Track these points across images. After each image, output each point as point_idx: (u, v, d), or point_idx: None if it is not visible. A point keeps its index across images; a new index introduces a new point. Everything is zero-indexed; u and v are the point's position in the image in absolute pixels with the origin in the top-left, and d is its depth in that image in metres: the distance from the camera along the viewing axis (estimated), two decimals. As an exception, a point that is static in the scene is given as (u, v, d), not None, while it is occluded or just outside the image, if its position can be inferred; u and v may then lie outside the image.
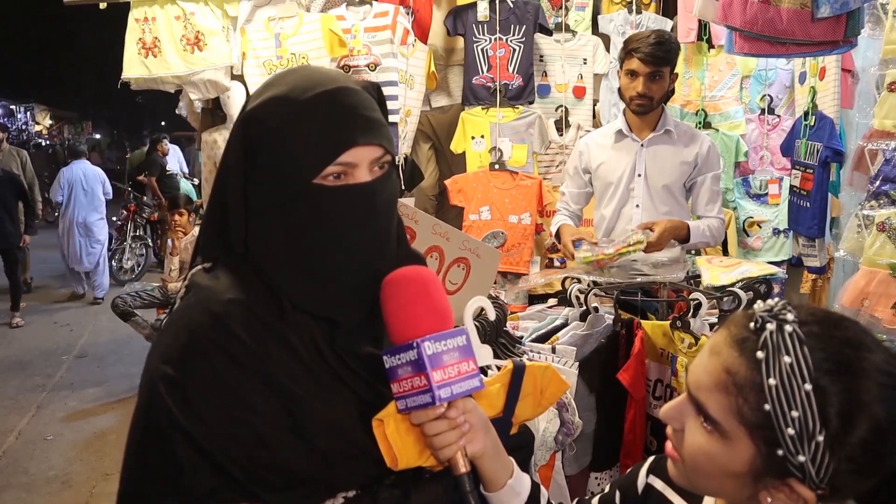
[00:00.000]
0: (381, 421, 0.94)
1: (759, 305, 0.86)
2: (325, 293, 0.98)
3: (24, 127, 25.90)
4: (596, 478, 2.32)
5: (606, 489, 1.16)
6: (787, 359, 0.79)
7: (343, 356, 0.98)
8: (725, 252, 3.83)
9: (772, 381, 0.79)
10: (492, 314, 1.11)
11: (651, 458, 1.12)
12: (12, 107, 25.60)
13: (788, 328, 0.81)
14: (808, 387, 0.78)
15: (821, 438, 0.78)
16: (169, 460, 0.91)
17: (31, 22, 22.18)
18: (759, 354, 0.81)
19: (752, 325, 0.84)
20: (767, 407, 0.79)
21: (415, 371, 0.90)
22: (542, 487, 1.06)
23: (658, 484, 1.08)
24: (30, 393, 5.32)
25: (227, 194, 0.99)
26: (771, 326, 0.82)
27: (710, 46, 4.07)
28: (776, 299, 0.88)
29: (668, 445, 0.94)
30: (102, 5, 3.63)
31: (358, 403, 0.97)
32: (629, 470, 1.15)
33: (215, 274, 1.01)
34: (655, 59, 2.64)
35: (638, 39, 2.67)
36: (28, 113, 25.91)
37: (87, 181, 8.14)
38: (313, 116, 0.94)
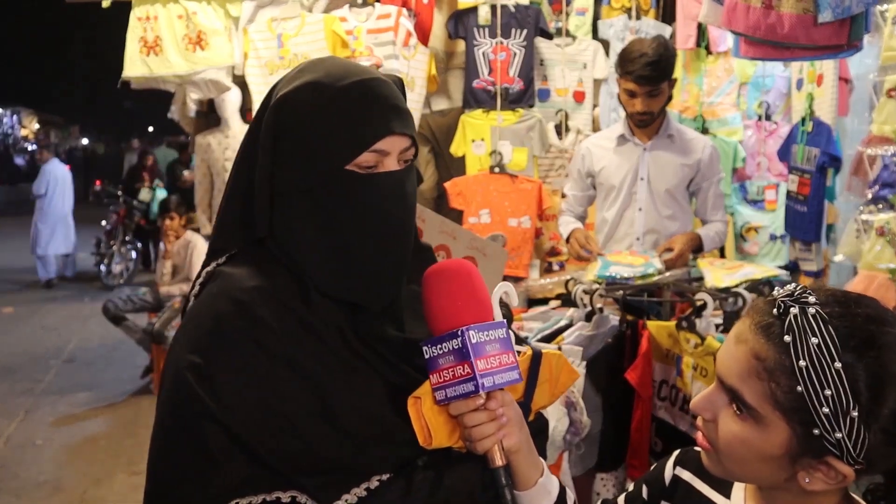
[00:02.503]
0: (418, 398, 0.93)
1: (778, 291, 0.89)
2: (353, 278, 0.99)
3: (9, 131, 25.67)
4: (602, 479, 2.31)
5: (631, 487, 1.16)
6: (814, 340, 0.82)
7: (368, 340, 0.98)
8: (723, 257, 3.85)
9: (802, 363, 0.82)
10: (515, 300, 1.11)
11: (677, 451, 1.13)
12: (-2, 110, 25.39)
13: (811, 310, 0.83)
14: (837, 365, 0.80)
15: (855, 414, 0.80)
16: (200, 451, 0.90)
17: (20, 25, 22.02)
18: (787, 338, 0.83)
19: (774, 310, 0.86)
20: (800, 388, 0.82)
21: (458, 360, 0.90)
22: (568, 489, 1.05)
23: (685, 475, 1.08)
24: (18, 397, 5.25)
25: (255, 175, 0.99)
26: (794, 310, 0.84)
27: (709, 53, 4.10)
28: (794, 284, 0.90)
29: (699, 437, 0.95)
30: (106, 3, 3.60)
31: (386, 387, 0.97)
32: (654, 465, 1.16)
33: (236, 264, 1.00)
34: (650, 80, 2.66)
35: (631, 60, 2.67)
36: (14, 117, 25.68)
37: (64, 177, 9.56)
38: (350, 102, 0.96)
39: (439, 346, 0.92)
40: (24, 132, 25.81)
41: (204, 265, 1.05)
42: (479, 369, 0.89)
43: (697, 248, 2.81)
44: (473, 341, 0.90)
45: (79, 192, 10.39)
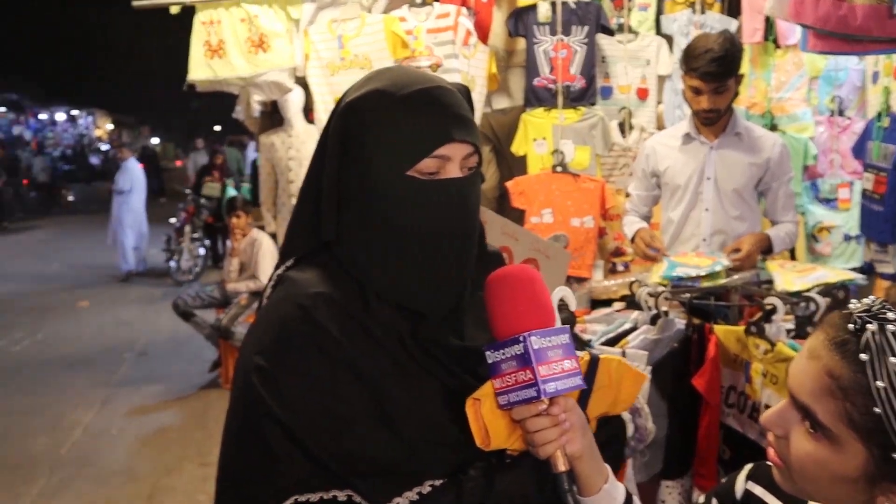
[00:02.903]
0: (478, 400, 0.94)
1: (854, 305, 0.84)
2: (414, 285, 1.01)
3: (85, 132, 26.77)
4: (667, 486, 2.26)
5: (701, 500, 1.14)
6: (893, 360, 0.77)
7: (426, 347, 1.00)
8: (793, 258, 3.73)
9: (880, 384, 0.78)
10: (573, 304, 1.11)
11: (749, 465, 1.11)
12: (74, 112, 26.48)
13: (891, 328, 0.79)
14: None
15: None
16: (263, 449, 0.95)
17: (93, 32, 22.89)
18: (863, 357, 0.79)
19: (850, 326, 0.82)
20: (878, 410, 0.78)
21: (520, 365, 0.91)
22: (636, 498, 1.04)
23: (757, 490, 1.06)
24: (96, 388, 5.49)
25: (323, 182, 1.02)
26: (872, 327, 0.80)
27: (777, 46, 3.96)
28: (872, 298, 0.85)
29: (771, 452, 0.92)
30: (174, 10, 3.71)
31: (443, 393, 1.00)
32: (725, 479, 1.14)
33: (302, 269, 1.04)
34: (716, 76, 2.59)
35: (696, 56, 2.59)
36: (90, 117, 26.76)
37: (141, 176, 10.19)
38: (412, 110, 0.98)
39: (502, 351, 0.93)
40: (97, 133, 26.87)
41: (275, 268, 1.09)
42: (542, 375, 0.90)
43: (766, 249, 2.73)
44: (535, 347, 0.90)
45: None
